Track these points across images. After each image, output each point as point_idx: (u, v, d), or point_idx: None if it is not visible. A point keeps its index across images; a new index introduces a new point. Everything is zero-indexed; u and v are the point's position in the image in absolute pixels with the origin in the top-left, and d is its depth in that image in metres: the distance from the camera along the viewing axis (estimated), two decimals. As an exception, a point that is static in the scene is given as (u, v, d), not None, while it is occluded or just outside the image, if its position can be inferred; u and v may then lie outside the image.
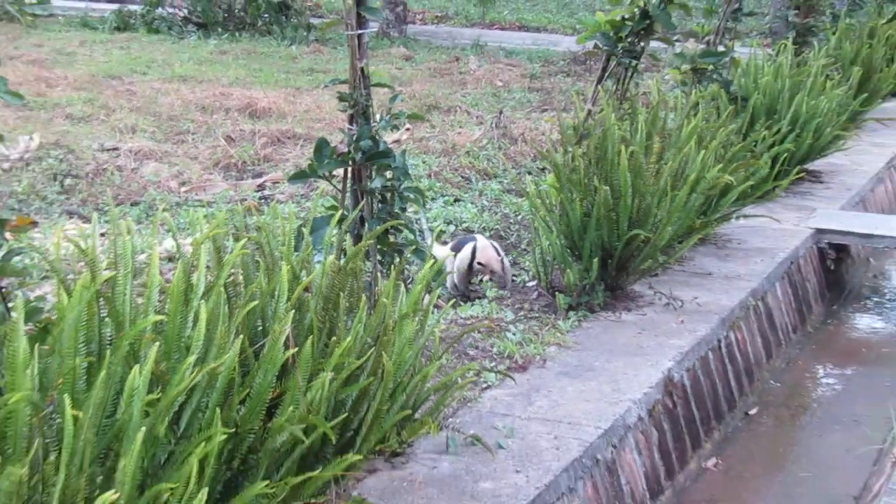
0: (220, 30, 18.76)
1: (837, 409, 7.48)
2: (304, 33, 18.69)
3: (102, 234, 7.10)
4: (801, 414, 7.43)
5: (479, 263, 7.40)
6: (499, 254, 7.45)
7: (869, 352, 8.51)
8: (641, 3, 8.16)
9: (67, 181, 9.54)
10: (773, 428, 7.22)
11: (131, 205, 8.96)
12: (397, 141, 10.77)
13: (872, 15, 14.64)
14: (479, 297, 7.39)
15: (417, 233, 7.78)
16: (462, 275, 7.48)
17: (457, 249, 7.55)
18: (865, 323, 9.12)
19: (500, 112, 12.15)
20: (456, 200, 9.52)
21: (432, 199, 9.48)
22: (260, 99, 12.97)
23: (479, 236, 7.65)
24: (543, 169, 10.19)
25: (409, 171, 6.21)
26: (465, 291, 7.54)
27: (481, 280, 7.54)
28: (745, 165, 8.66)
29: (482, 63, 16.57)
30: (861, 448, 6.68)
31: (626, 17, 8.21)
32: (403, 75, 15.36)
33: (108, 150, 10.58)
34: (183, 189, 9.55)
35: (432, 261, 5.39)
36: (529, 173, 10.04)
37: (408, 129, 11.48)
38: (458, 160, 10.64)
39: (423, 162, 10.54)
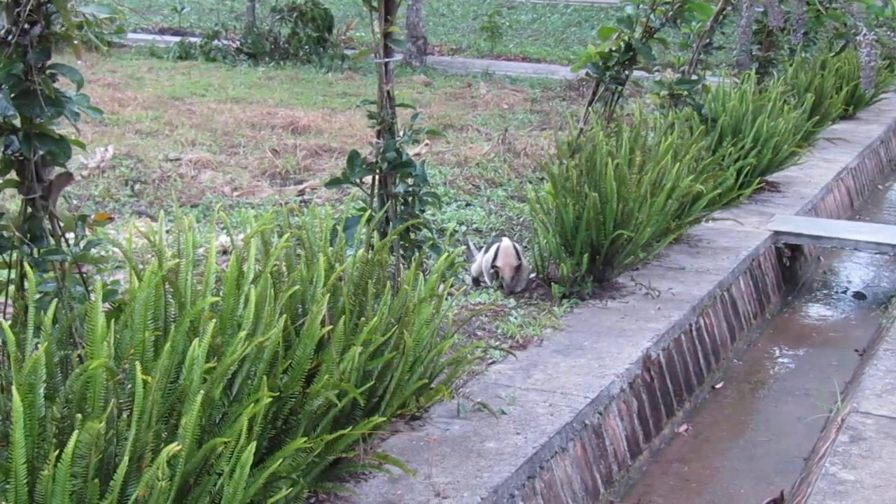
0: (267, 59, 18.73)
1: (791, 384, 7.49)
2: (339, 62, 18.68)
3: (168, 231, 7.20)
4: (760, 388, 7.44)
5: (494, 266, 7.24)
6: (519, 258, 7.24)
7: (818, 336, 8.51)
8: (626, 38, 8.17)
9: (137, 186, 9.57)
10: (736, 399, 7.23)
11: (191, 206, 8.99)
12: (418, 154, 10.78)
13: (824, 49, 14.63)
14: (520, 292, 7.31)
15: (464, 250, 7.79)
16: (489, 274, 7.32)
17: (487, 252, 7.52)
18: (816, 311, 9.10)
19: (506, 130, 12.12)
20: (467, 205, 9.51)
21: (447, 203, 9.48)
22: (301, 118, 12.97)
23: (505, 238, 7.43)
24: (542, 178, 10.17)
25: (428, 179, 6.24)
26: (511, 287, 7.29)
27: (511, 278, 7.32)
28: (713, 176, 8.68)
29: (490, 89, 16.50)
30: (810, 416, 6.70)
31: (613, 49, 8.21)
32: (423, 98, 15.31)
33: (172, 160, 10.61)
34: (235, 193, 9.56)
35: (446, 255, 5.41)
36: (530, 182, 10.01)
37: (427, 144, 11.48)
38: (469, 171, 10.63)
39: (440, 172, 10.53)
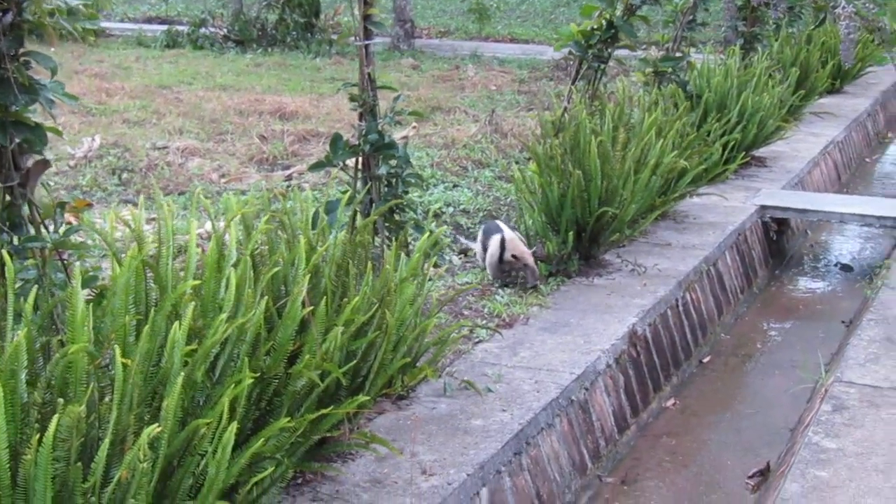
0: (255, 46, 18.69)
1: (778, 356, 7.51)
2: (327, 48, 18.61)
3: (153, 219, 7.17)
4: (747, 361, 7.45)
5: (514, 256, 6.85)
6: (528, 244, 7.17)
7: (805, 309, 8.51)
8: (607, 16, 8.18)
9: (124, 175, 9.56)
10: (724, 373, 7.24)
11: (178, 194, 9.00)
12: (405, 137, 10.74)
13: (809, 24, 14.64)
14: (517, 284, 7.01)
15: (460, 247, 7.67)
16: (494, 269, 6.98)
17: (484, 242, 7.10)
18: (803, 285, 9.11)
19: (493, 111, 12.09)
20: (455, 186, 9.49)
21: (434, 185, 9.45)
22: (288, 104, 12.97)
23: (503, 227, 7.11)
24: (528, 159, 9.99)
25: (411, 161, 6.32)
26: (500, 279, 6.99)
27: (516, 272, 6.98)
28: (698, 152, 8.67)
29: (479, 71, 16.50)
30: (797, 388, 6.72)
31: (595, 27, 8.24)
32: (411, 81, 15.30)
33: (159, 148, 10.60)
34: (222, 180, 9.56)
35: (428, 233, 5.40)
36: (517, 162, 9.96)
37: (414, 127, 11.48)
38: (456, 152, 10.62)
39: (427, 154, 10.51)
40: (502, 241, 6.91)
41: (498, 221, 7.38)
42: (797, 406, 6.50)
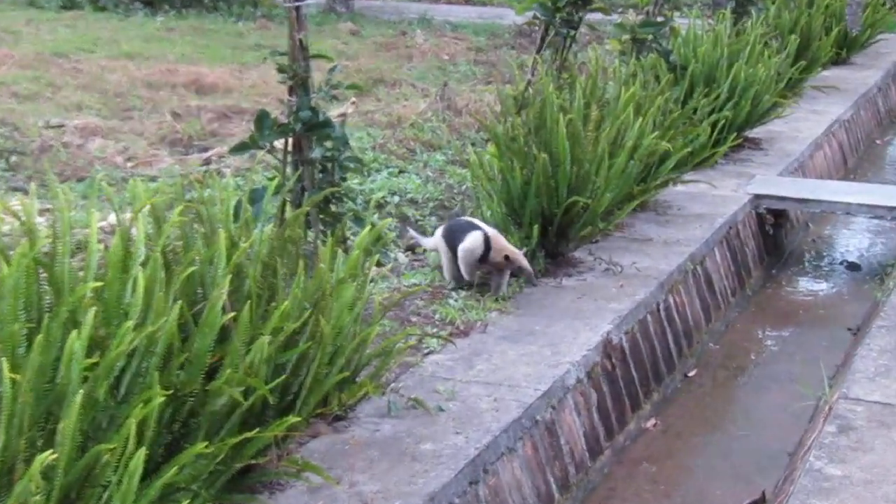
0: (166, 7, 18.54)
1: (775, 369, 7.58)
2: (252, 9, 18.50)
3: (47, 210, 7.14)
4: (740, 374, 7.55)
5: (506, 257, 6.70)
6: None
7: (806, 313, 8.61)
8: (578, -26, 8.28)
9: (13, 158, 9.43)
10: (712, 388, 7.32)
11: (77, 181, 8.88)
12: (343, 115, 10.64)
13: (811, -16, 14.77)
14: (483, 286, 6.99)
15: (407, 242, 7.64)
16: (470, 269, 6.85)
17: (451, 238, 6.93)
18: (804, 286, 9.22)
19: (445, 85, 12.09)
20: (401, 172, 9.46)
21: (377, 170, 9.42)
22: (206, 75, 12.90)
23: (482, 224, 6.94)
24: (487, 140, 10.00)
25: (350, 142, 6.26)
26: (473, 281, 6.90)
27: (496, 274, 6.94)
28: (683, 133, 8.75)
29: (428, 37, 16.51)
30: (796, 405, 6.76)
31: (564, -13, 8.38)
32: (350, 50, 15.27)
33: (54, 127, 10.48)
34: (129, 164, 9.46)
35: (370, 227, 5.41)
36: (473, 144, 9.97)
37: (353, 103, 11.46)
38: (402, 132, 10.60)
39: (368, 134, 10.48)
40: (486, 238, 6.77)
41: (469, 218, 7.26)
42: (797, 426, 6.51)
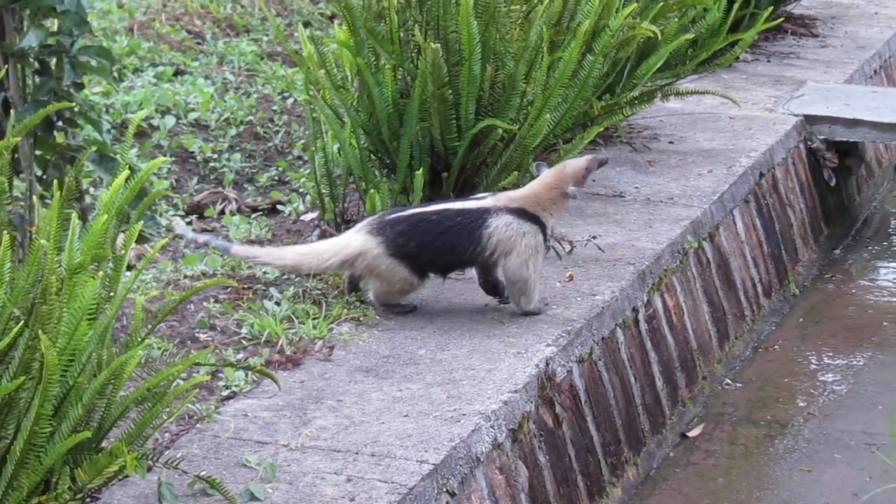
0: None
1: (837, 425, 7.17)
2: None
3: None
4: (778, 434, 7.10)
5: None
6: None
7: (892, 325, 8.12)
8: None
9: None
10: (729, 459, 6.93)
11: None
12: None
13: None
14: None
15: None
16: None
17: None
18: (888, 277, 8.88)
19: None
20: (178, 73, 9.40)
21: (134, 70, 9.31)
22: None
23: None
24: (332, 18, 9.71)
25: (88, 21, 6.21)
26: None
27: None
28: (678, 6, 8.17)
29: None
30: (876, 488, 6.46)
31: None
32: None
33: None
34: None
35: (127, 172, 5.06)
36: (307, 25, 9.65)
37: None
38: (182, 3, 10.26)
39: (122, 7, 10.02)
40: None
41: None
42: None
